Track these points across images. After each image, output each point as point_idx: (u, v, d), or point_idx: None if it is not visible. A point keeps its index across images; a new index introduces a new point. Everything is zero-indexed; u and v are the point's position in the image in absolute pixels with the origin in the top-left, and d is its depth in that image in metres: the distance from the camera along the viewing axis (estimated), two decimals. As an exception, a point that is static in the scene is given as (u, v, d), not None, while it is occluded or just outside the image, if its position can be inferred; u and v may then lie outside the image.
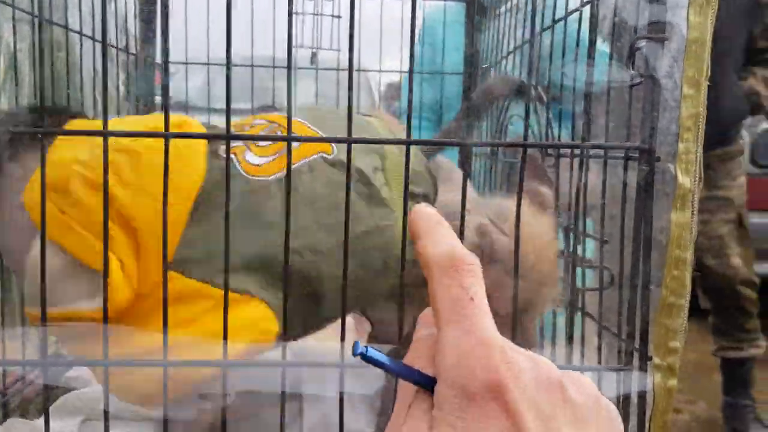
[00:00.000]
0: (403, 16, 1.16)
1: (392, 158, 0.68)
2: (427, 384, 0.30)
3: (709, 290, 2.24)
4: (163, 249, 0.50)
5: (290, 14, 0.53)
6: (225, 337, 0.53)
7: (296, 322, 0.61)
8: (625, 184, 0.56)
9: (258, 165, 0.64)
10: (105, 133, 0.53)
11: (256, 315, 0.59)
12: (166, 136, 0.52)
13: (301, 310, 0.62)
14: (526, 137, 0.50)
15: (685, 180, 0.52)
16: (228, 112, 0.51)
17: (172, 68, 1.38)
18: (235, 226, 0.57)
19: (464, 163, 0.50)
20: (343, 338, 0.52)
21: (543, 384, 0.29)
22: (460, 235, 0.51)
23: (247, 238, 0.59)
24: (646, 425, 0.55)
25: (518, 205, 0.52)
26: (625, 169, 0.56)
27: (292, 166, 0.60)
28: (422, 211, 0.34)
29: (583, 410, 0.30)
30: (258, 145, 0.65)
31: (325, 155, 0.65)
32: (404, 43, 1.29)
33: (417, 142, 0.52)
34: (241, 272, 0.58)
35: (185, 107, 1.28)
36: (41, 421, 0.79)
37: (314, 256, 0.61)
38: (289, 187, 0.50)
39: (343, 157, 0.57)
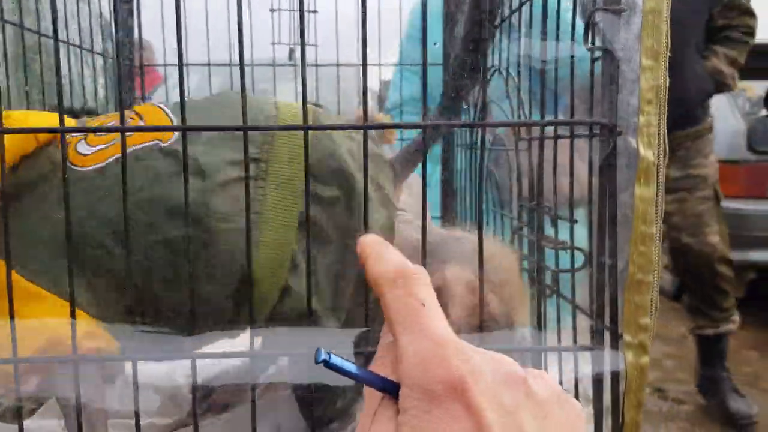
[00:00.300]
0: (380, 9, 1.16)
1: (283, 148, 0.59)
2: (391, 390, 0.30)
3: (686, 270, 2.26)
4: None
5: (239, 9, 0.52)
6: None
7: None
8: (590, 161, 0.56)
9: (85, 155, 0.60)
10: (62, 130, 0.53)
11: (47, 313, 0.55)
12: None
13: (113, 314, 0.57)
14: (483, 117, 0.50)
15: (647, 153, 0.51)
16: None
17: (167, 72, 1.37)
18: (47, 220, 0.56)
19: (424, 147, 0.49)
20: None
21: (504, 380, 0.29)
22: (422, 231, 0.50)
23: (57, 232, 0.56)
24: (620, 404, 0.55)
25: (480, 185, 0.51)
26: (590, 145, 0.56)
27: (117, 156, 0.57)
28: (367, 238, 0.35)
29: (547, 405, 0.30)
30: (97, 135, 0.61)
31: (160, 143, 0.59)
32: (383, 36, 1.29)
33: (374, 126, 0.51)
34: (52, 269, 0.56)
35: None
36: (25, 423, 0.79)
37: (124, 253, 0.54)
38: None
39: (179, 146, 0.55)
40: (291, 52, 1.22)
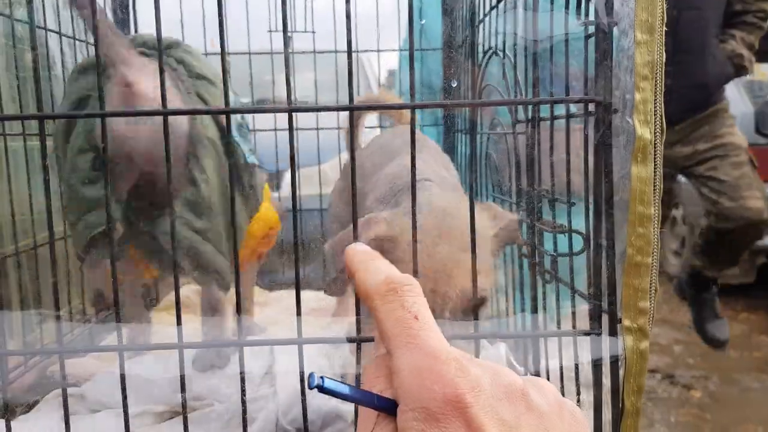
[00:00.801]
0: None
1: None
2: (388, 408, 0.29)
3: (724, 234, 2.24)
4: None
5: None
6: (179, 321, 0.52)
7: None
8: (586, 140, 0.54)
9: None
10: (43, 116, 0.52)
11: None
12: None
13: None
14: (473, 96, 0.48)
15: (644, 131, 0.49)
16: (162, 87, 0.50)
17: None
18: None
19: (411, 128, 0.48)
20: (299, 312, 0.50)
21: (504, 393, 0.29)
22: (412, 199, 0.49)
23: None
24: (620, 390, 0.53)
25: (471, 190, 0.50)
26: (585, 124, 0.54)
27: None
28: (355, 248, 0.36)
29: (548, 417, 0.29)
30: None
31: None
32: (388, 24, 1.27)
33: (359, 108, 0.50)
34: None
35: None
36: (14, 423, 0.78)
37: None
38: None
39: None
40: (289, 40, 1.20)
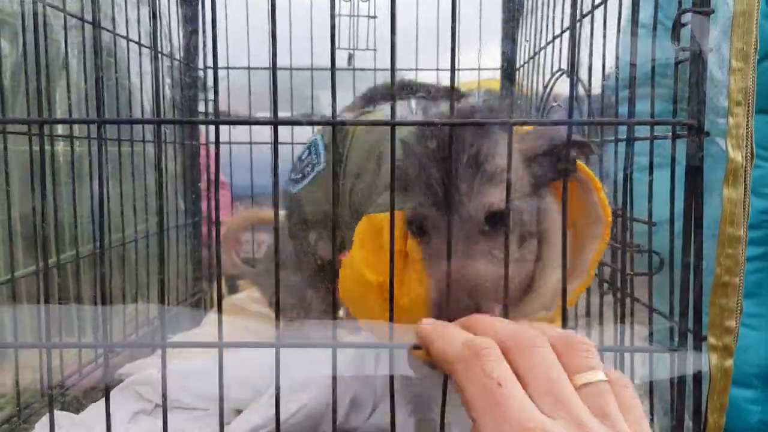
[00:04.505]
0: (439, 16, 1.17)
1: None
2: None
3: None
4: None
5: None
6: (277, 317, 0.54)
7: None
8: (673, 161, 0.55)
9: None
10: (161, 121, 0.55)
11: None
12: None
13: None
14: (570, 115, 0.50)
15: (736, 155, 0.51)
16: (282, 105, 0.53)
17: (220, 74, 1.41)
18: None
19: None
20: (392, 318, 0.52)
21: None
22: None
23: None
24: (703, 407, 0.54)
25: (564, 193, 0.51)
26: (673, 146, 0.55)
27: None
28: (426, 322, 0.37)
29: None
30: None
31: None
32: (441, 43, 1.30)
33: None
34: None
35: (228, 114, 1.30)
36: (83, 415, 0.81)
37: None
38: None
39: None
40: (350, 57, 1.23)
